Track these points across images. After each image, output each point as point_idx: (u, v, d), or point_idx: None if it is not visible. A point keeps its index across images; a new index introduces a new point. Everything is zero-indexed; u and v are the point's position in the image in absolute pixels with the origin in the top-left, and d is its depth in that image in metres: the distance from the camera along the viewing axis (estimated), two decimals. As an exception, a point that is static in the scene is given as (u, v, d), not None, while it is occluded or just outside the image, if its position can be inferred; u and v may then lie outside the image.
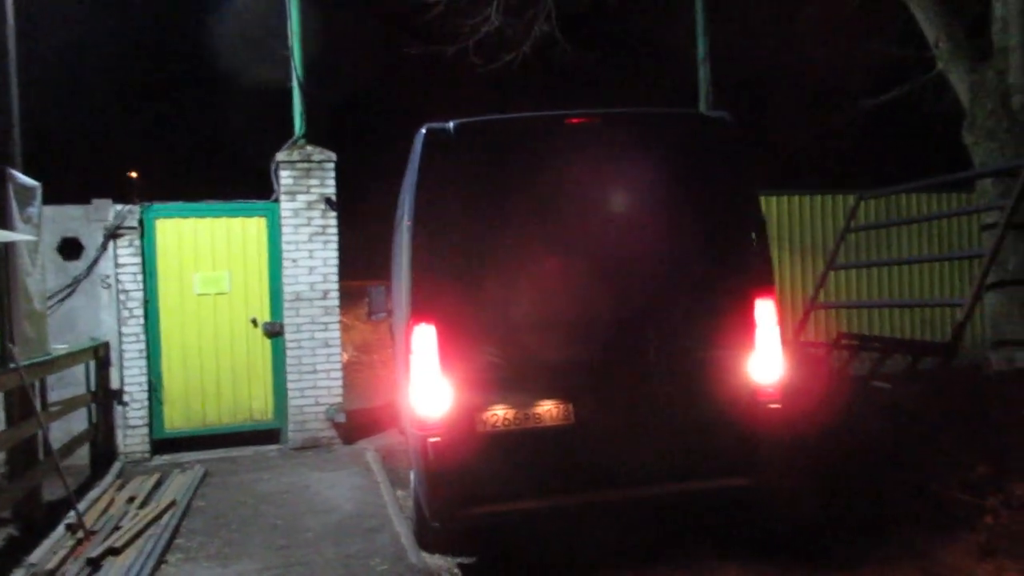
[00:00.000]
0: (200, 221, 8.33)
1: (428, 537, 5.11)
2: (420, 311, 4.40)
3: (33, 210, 6.16)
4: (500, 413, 4.45)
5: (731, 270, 4.69)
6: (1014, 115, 7.06)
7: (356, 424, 8.83)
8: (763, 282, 4.72)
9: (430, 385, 4.38)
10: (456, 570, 4.85)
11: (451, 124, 4.60)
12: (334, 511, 6.14)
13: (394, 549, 5.23)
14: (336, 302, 8.52)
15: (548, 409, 4.48)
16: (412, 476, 5.21)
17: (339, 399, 8.48)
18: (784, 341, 4.76)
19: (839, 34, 10.43)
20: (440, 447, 4.35)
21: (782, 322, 4.82)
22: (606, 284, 4.55)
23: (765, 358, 4.65)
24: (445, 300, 4.41)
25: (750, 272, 4.71)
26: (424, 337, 4.37)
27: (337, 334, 8.52)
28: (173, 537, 5.59)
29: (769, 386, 4.65)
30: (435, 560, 4.99)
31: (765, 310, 4.67)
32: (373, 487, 6.80)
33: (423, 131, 4.62)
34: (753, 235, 4.77)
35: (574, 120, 4.75)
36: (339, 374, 8.52)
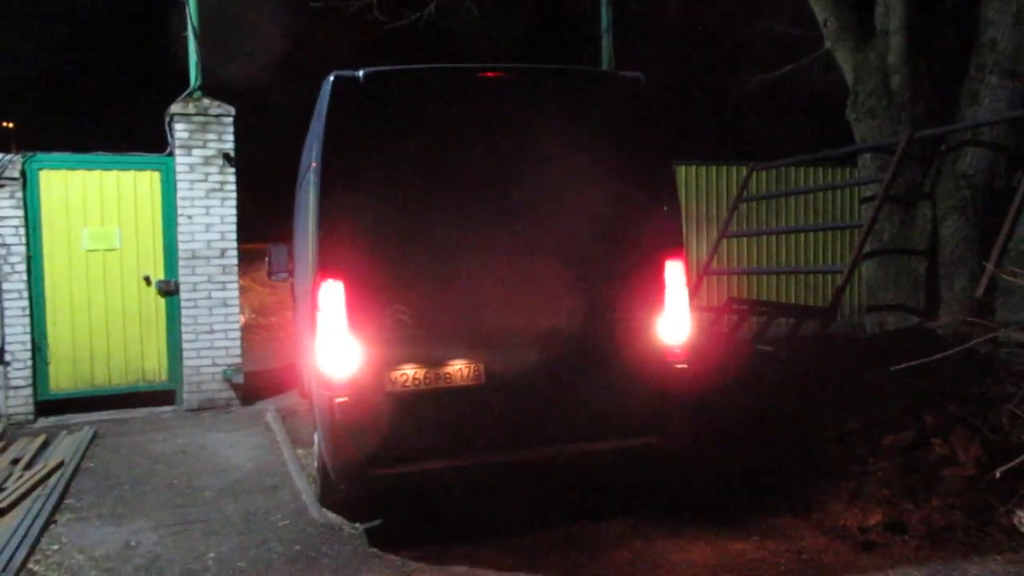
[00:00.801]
0: (89, 174, 7.96)
1: (333, 499, 5.06)
2: (327, 267, 4.25)
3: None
4: (410, 373, 4.36)
5: (642, 231, 4.70)
6: (893, 95, 7.49)
7: (255, 386, 8.71)
8: (672, 244, 4.74)
9: (337, 344, 4.26)
10: (358, 525, 4.88)
11: (360, 72, 4.43)
12: (233, 470, 6.08)
13: (295, 505, 5.24)
14: (234, 261, 8.32)
15: (459, 369, 4.42)
16: (316, 437, 5.11)
17: (237, 360, 8.32)
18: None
19: (737, 10, 10.78)
20: (347, 407, 4.26)
21: (689, 284, 4.87)
22: (518, 242, 4.49)
23: (674, 319, 4.70)
24: (353, 256, 4.27)
25: (660, 234, 4.72)
26: (331, 293, 4.24)
27: (235, 293, 8.34)
28: (62, 498, 5.43)
29: (677, 347, 4.71)
30: (337, 516, 5.01)
31: (674, 272, 4.70)
32: (273, 446, 6.76)
33: (331, 79, 4.43)
34: (664, 197, 4.79)
35: (488, 73, 4.65)
36: (237, 334, 8.35)
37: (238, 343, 8.35)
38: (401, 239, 4.37)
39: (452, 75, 4.66)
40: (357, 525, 4.87)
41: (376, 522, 4.89)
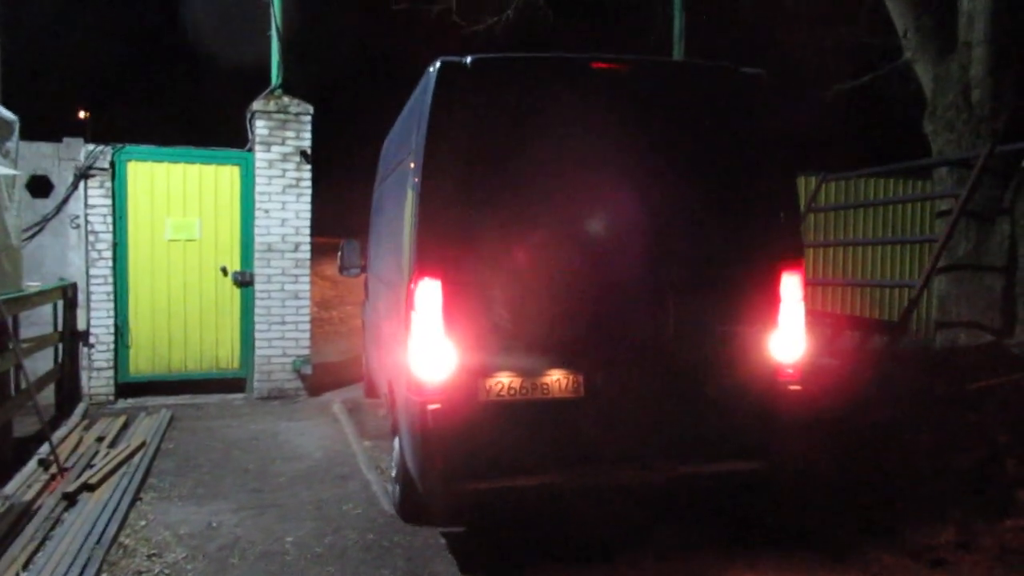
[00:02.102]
0: (173, 166, 8.28)
1: (412, 509, 4.81)
2: (425, 265, 3.99)
3: (11, 144, 6.09)
4: (505, 381, 4.09)
5: (758, 240, 4.38)
6: (973, 108, 7.37)
7: (321, 377, 8.95)
8: (791, 255, 4.41)
9: (432, 347, 4.01)
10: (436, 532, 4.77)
11: (468, 59, 4.10)
12: (304, 458, 6.28)
13: (366, 495, 5.40)
14: (307, 255, 8.57)
15: (557, 379, 4.15)
16: (397, 443, 4.87)
17: (307, 351, 8.57)
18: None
19: (815, 20, 10.67)
20: (439, 415, 4.00)
21: (807, 298, 4.51)
22: (626, 248, 4.20)
23: (788, 336, 4.38)
24: (452, 255, 4.01)
25: (778, 243, 4.39)
26: (428, 294, 3.99)
27: (307, 286, 8.59)
28: (146, 477, 5.69)
29: (790, 366, 4.39)
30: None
31: (791, 285, 4.38)
32: (341, 437, 6.95)
33: (437, 65, 4.11)
34: (783, 203, 4.45)
35: (602, 64, 4.32)
36: (307, 326, 8.60)
37: (308, 335, 8.60)
38: (502, 239, 4.11)
39: (564, 64, 4.36)
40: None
41: (459, 529, 4.73)
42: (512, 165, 4.14)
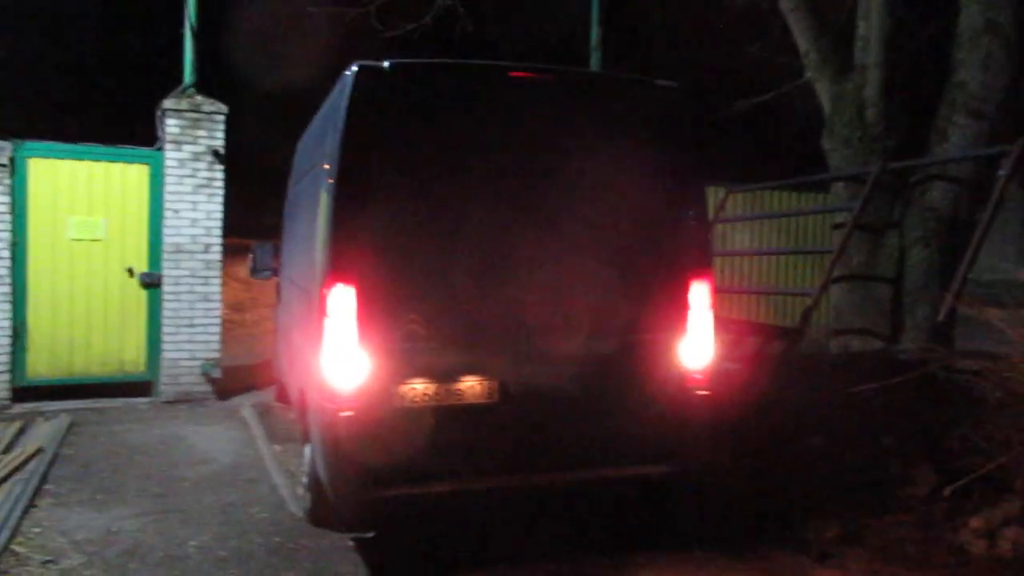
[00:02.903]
0: (78, 163, 8.01)
1: (324, 516, 4.75)
2: (339, 271, 3.96)
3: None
4: (420, 387, 4.09)
5: (669, 248, 4.49)
6: (867, 127, 7.78)
7: (230, 381, 8.79)
8: (700, 263, 4.56)
9: (345, 354, 3.98)
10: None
11: (386, 63, 4.09)
12: (211, 462, 6.18)
13: (273, 499, 5.36)
14: (218, 256, 8.42)
15: (471, 385, 4.16)
16: (309, 451, 4.81)
17: (216, 354, 8.41)
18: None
19: (729, 37, 11.07)
20: (352, 422, 3.98)
21: (715, 306, 4.65)
22: (541, 255, 4.25)
23: (697, 343, 4.51)
24: (367, 260, 3.99)
25: (688, 252, 4.53)
26: (341, 300, 3.95)
27: (218, 288, 8.43)
28: (42, 483, 5.50)
29: (699, 372, 4.53)
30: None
31: (700, 293, 4.52)
32: (250, 441, 6.86)
33: (354, 69, 4.11)
34: (693, 214, 4.59)
35: (520, 73, 4.38)
36: (218, 329, 8.44)
37: (217, 338, 8.44)
38: (418, 245, 4.12)
39: (482, 72, 4.41)
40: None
41: (370, 535, 4.67)
42: (428, 171, 4.15)
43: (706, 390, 4.55)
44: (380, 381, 4.03)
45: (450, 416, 4.13)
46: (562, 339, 4.29)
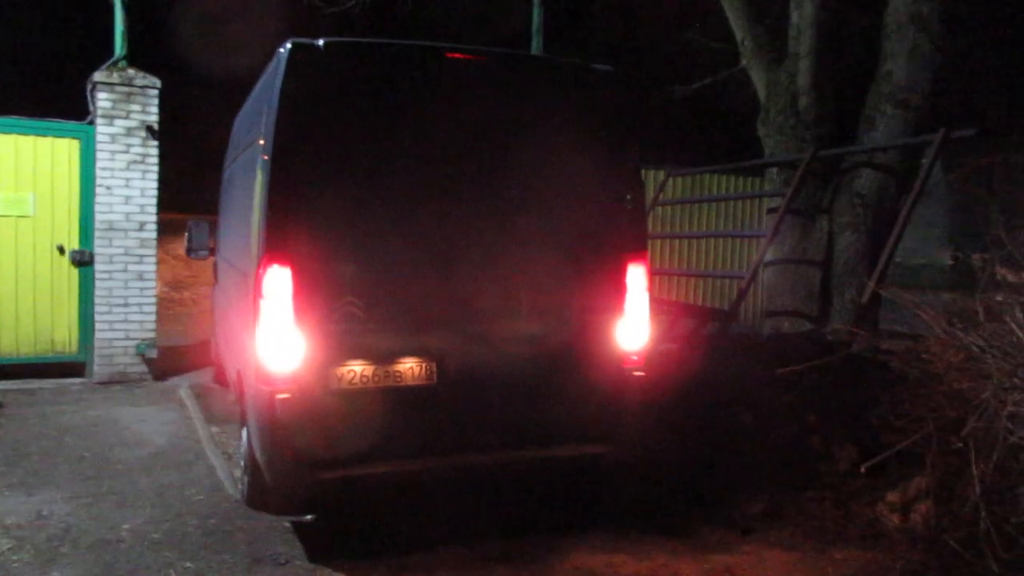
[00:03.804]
0: (5, 137, 7.76)
1: (261, 500, 4.75)
2: (274, 251, 3.91)
3: None
4: (358, 369, 4.09)
5: (605, 231, 4.54)
6: (800, 114, 7.98)
7: (168, 361, 8.67)
8: (636, 246, 4.61)
9: (281, 336, 3.94)
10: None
11: (320, 41, 4.06)
12: (146, 444, 6.11)
13: (210, 481, 5.34)
14: (153, 234, 8.26)
15: (410, 367, 4.18)
16: (246, 434, 4.72)
17: (152, 334, 8.27)
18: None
19: (669, 23, 11.20)
20: (289, 404, 3.95)
21: (651, 289, 4.73)
22: (478, 236, 4.28)
23: (633, 324, 4.58)
24: (303, 240, 3.95)
25: (624, 235, 4.58)
26: (277, 281, 3.91)
27: (153, 267, 8.28)
28: (-32, 466, 5.39)
29: (635, 353, 4.59)
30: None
31: (636, 275, 4.58)
32: (186, 422, 6.79)
33: (288, 46, 4.06)
34: (629, 197, 4.63)
35: (457, 55, 4.39)
36: (153, 309, 8.30)
37: (153, 318, 8.30)
38: (354, 226, 4.10)
39: (418, 52, 4.38)
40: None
41: (307, 518, 4.69)
42: (364, 149, 4.14)
43: (642, 371, 4.62)
44: (317, 363, 4.01)
45: (388, 398, 4.14)
46: (501, 320, 4.34)
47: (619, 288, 4.57)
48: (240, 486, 5.08)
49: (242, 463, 5.01)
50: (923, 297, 5.79)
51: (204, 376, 8.48)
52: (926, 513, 4.60)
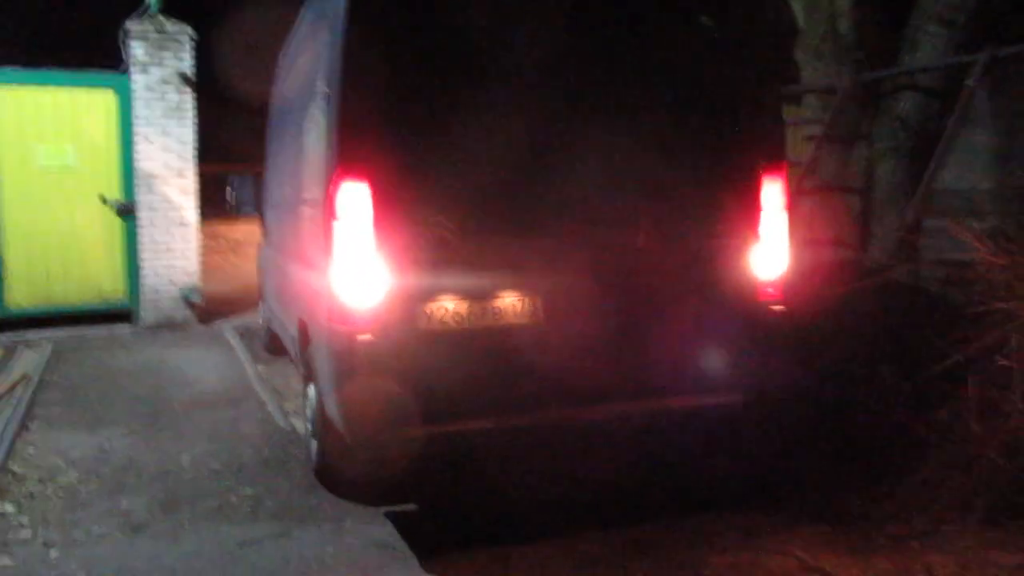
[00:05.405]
0: (41, 90, 7.87)
1: (336, 473, 4.10)
2: (349, 165, 3.34)
3: None
4: (451, 306, 3.52)
5: (736, 143, 3.91)
6: (839, 38, 7.78)
7: (212, 306, 8.86)
8: (773, 157, 3.95)
9: (360, 264, 3.39)
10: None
11: None
12: (197, 383, 6.30)
13: (261, 414, 5.51)
14: (192, 181, 8.37)
15: (511, 303, 3.59)
16: (313, 391, 4.18)
17: (195, 280, 8.45)
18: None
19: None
20: (371, 347, 3.41)
21: (791, 207, 4.03)
22: (589, 153, 3.67)
23: (770, 250, 3.94)
24: (381, 153, 3.38)
25: (758, 146, 3.93)
26: (354, 199, 3.35)
27: (194, 213, 8.42)
28: (30, 407, 5.60)
29: (772, 284, 3.96)
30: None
31: (773, 192, 3.93)
32: (234, 362, 6.98)
33: None
34: (762, 103, 4.01)
35: None
36: (195, 254, 8.46)
37: (196, 263, 8.47)
38: (443, 135, 3.51)
39: None
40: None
41: (402, 506, 4.02)
42: (453, 51, 3.55)
43: (781, 305, 4.00)
44: (404, 298, 3.47)
45: (487, 340, 3.58)
46: (615, 247, 3.75)
47: (753, 207, 3.94)
48: (308, 455, 4.52)
49: (309, 426, 4.48)
50: (967, 223, 5.69)
51: (248, 319, 8.66)
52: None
